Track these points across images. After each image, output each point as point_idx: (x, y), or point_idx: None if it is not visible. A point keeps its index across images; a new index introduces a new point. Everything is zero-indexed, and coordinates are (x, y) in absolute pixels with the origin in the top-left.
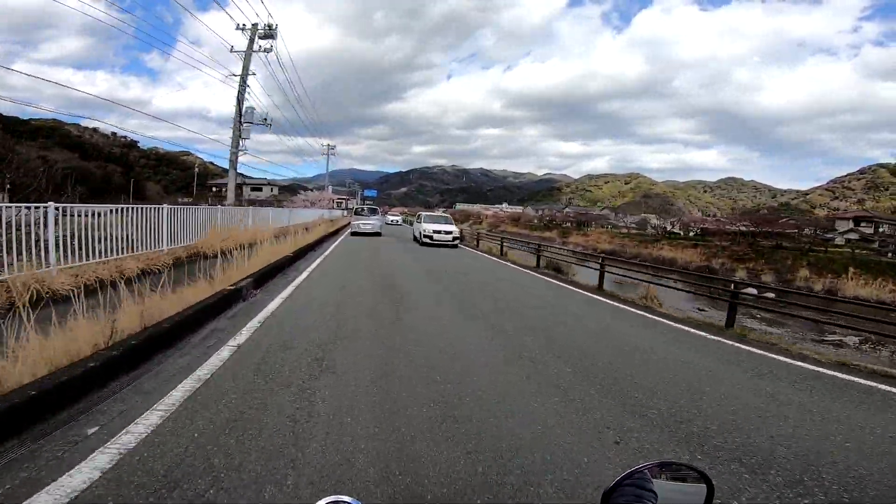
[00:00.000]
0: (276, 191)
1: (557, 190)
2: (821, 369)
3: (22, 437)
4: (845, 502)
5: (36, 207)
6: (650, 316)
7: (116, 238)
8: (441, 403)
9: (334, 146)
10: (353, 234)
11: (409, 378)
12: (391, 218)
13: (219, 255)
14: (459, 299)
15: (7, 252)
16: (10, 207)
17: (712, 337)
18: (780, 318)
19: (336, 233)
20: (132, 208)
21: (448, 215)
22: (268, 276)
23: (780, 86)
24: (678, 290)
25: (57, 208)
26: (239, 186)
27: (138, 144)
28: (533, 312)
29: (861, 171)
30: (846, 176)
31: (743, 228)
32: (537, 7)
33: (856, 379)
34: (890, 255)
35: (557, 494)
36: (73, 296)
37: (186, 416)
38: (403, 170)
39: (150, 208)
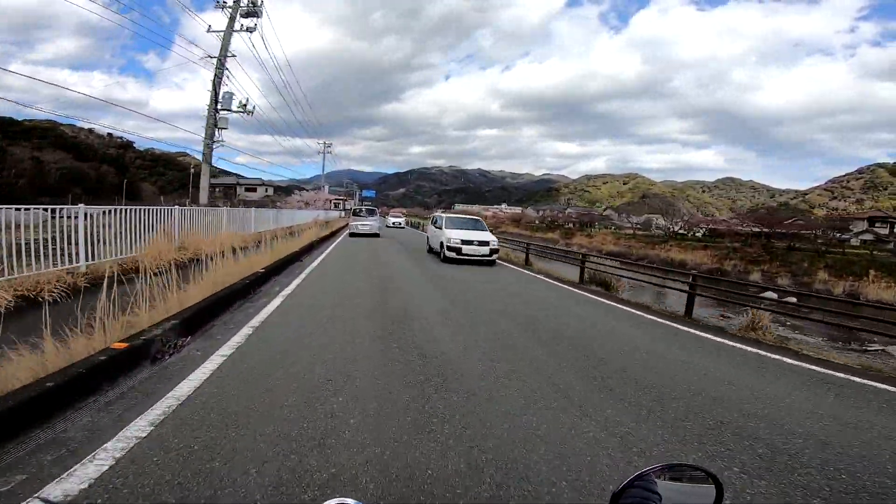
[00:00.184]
0: (270, 191)
1: (556, 190)
2: None
3: None
4: None
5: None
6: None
7: None
8: None
9: (331, 143)
10: (352, 234)
11: None
12: (393, 220)
13: (142, 276)
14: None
15: None
16: None
17: None
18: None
19: (332, 236)
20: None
21: (478, 217)
22: (214, 309)
23: (777, 86)
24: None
25: None
26: (233, 186)
27: (134, 145)
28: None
29: (860, 171)
30: (845, 176)
31: (756, 229)
32: (536, 7)
33: None
34: None
35: None
36: None
37: None
38: (401, 171)
39: (57, 209)
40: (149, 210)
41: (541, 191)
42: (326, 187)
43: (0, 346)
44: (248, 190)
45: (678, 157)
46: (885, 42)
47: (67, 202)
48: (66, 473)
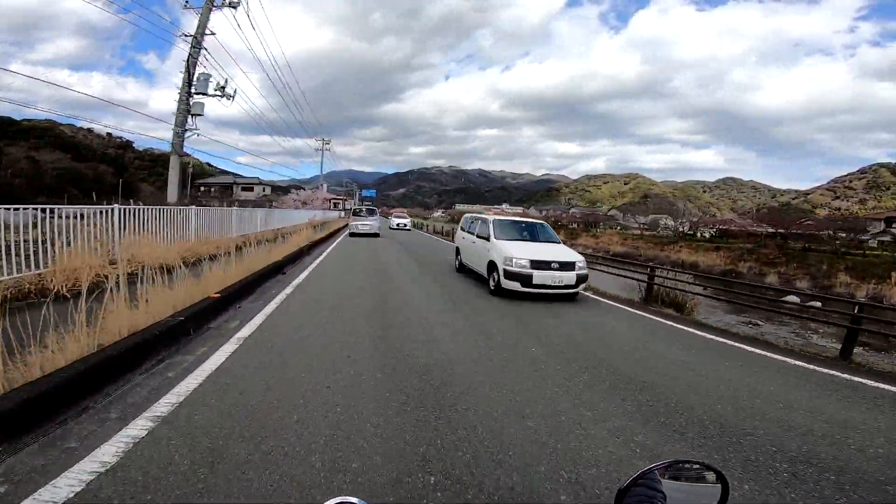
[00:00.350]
0: (267, 190)
1: (556, 190)
2: None
3: None
4: None
5: None
6: None
7: None
8: None
9: (329, 141)
10: (352, 234)
11: None
12: (398, 221)
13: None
14: None
15: None
16: None
17: None
18: None
19: (328, 239)
20: None
21: (543, 221)
22: (123, 364)
23: (777, 86)
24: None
25: None
26: (229, 186)
27: (133, 145)
28: None
29: (862, 171)
30: (846, 175)
31: (770, 230)
32: (536, 7)
33: None
34: None
35: None
36: None
37: None
38: (401, 171)
39: None
40: (101, 210)
41: (541, 191)
42: (325, 186)
43: None
44: (244, 189)
45: (678, 157)
46: (885, 42)
47: (63, 202)
48: None
